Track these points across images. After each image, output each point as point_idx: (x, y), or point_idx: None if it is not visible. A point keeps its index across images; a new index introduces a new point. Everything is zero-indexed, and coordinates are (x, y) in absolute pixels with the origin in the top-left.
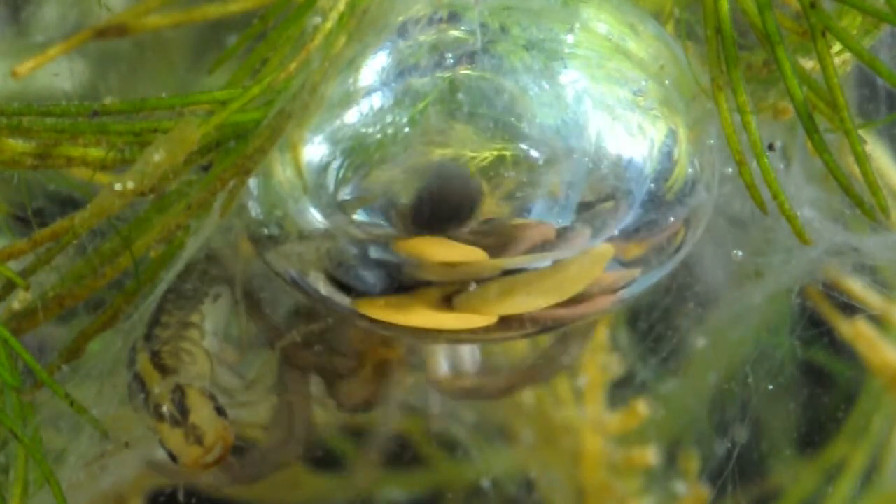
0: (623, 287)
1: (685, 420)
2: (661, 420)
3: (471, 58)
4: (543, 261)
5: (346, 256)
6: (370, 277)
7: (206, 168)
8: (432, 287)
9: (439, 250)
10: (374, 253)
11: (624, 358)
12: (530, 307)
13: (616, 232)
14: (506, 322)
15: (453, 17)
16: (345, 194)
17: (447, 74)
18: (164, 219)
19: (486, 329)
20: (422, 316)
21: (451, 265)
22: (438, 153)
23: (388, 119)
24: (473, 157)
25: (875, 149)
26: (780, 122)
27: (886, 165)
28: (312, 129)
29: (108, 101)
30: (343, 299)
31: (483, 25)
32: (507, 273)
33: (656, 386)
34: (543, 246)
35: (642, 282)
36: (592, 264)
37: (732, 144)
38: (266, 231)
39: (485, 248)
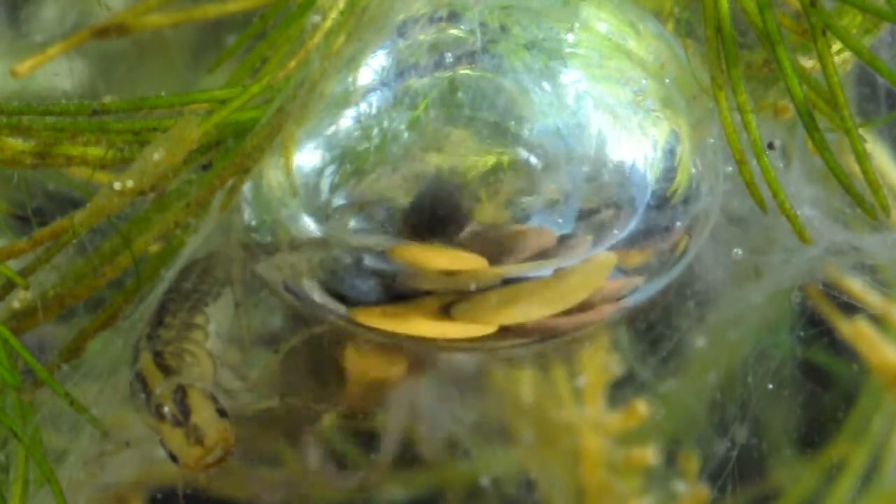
0: (626, 295)
1: (685, 420)
2: (661, 420)
3: (471, 57)
4: (545, 269)
5: (340, 266)
6: (365, 287)
7: (205, 167)
8: (430, 296)
9: (437, 258)
10: (369, 262)
11: (624, 358)
12: (531, 317)
13: (618, 240)
14: (506, 331)
15: (453, 17)
16: (338, 200)
17: (447, 74)
18: (164, 218)
19: (486, 338)
20: (419, 325)
21: (449, 274)
22: (436, 159)
23: (386, 122)
24: (472, 164)
25: (875, 147)
26: (780, 121)
27: (886, 164)
28: (306, 131)
29: (107, 99)
30: (338, 308)
31: (483, 25)
32: (508, 282)
33: (656, 386)
34: (545, 254)
35: (646, 290)
36: (595, 273)
37: (732, 143)
38: (257, 237)
39: (485, 255)
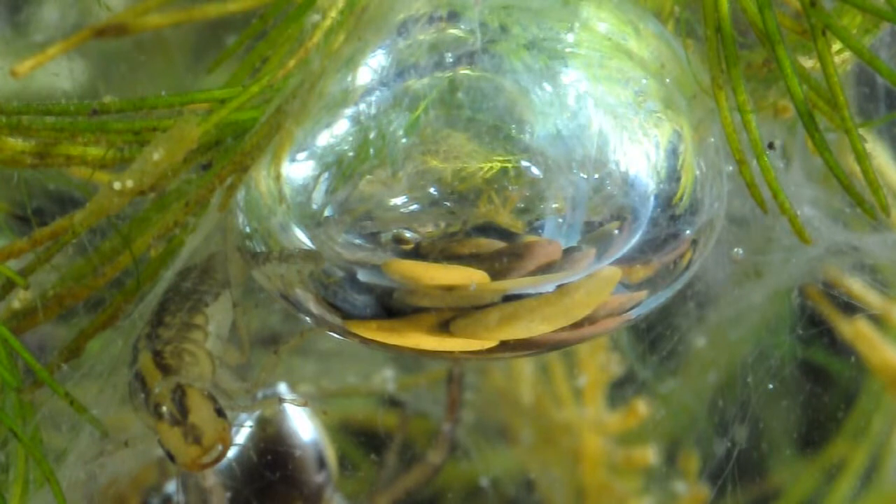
0: (630, 309)
1: (685, 420)
2: (661, 420)
3: (470, 57)
4: (548, 285)
5: (332, 279)
6: (359, 301)
7: (205, 167)
8: (428, 312)
9: (436, 273)
10: (363, 276)
11: (624, 358)
12: (533, 333)
13: (622, 253)
14: (507, 345)
15: (453, 16)
16: (331, 208)
17: (447, 74)
18: (164, 217)
19: (486, 351)
20: (417, 339)
21: (447, 289)
22: (434, 164)
23: (383, 124)
24: (475, 171)
25: (875, 147)
26: (780, 121)
27: (886, 164)
28: (300, 134)
29: (107, 99)
30: (334, 319)
31: (483, 24)
32: (509, 297)
33: (656, 386)
34: (547, 268)
35: (650, 302)
36: (599, 289)
37: (732, 143)
38: (250, 245)
39: (486, 269)
